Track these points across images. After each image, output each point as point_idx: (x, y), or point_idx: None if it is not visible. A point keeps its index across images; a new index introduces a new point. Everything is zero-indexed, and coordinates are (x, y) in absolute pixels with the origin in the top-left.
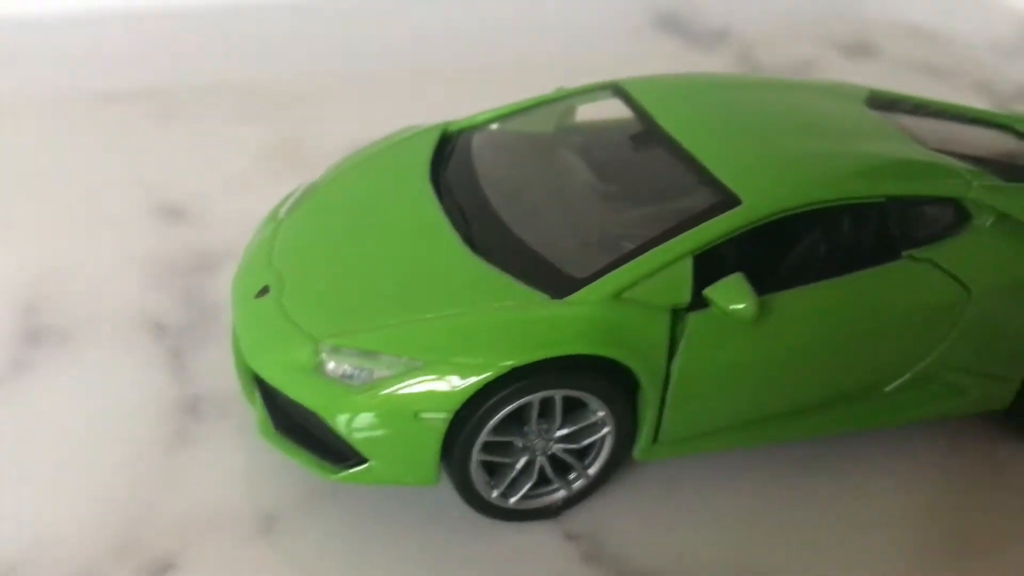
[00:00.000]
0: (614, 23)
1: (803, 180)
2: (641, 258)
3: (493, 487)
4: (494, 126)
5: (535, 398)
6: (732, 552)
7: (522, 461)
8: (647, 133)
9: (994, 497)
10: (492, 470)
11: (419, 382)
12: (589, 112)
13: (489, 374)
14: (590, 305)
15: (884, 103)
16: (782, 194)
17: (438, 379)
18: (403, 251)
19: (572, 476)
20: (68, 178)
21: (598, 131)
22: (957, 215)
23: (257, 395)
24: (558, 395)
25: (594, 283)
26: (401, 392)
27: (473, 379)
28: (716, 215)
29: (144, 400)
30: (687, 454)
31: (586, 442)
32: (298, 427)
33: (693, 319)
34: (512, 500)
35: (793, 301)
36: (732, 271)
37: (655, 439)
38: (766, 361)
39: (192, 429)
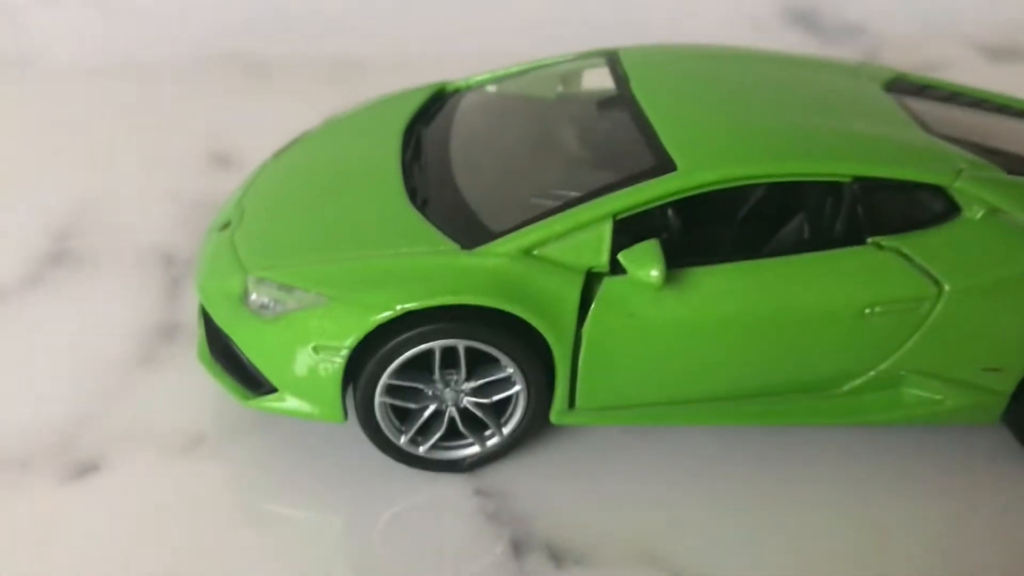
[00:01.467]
0: (741, 11)
1: (751, 152)
2: (558, 216)
3: (402, 432)
4: (491, 87)
5: (436, 345)
6: (637, 535)
7: (430, 409)
8: (617, 98)
9: (905, 510)
10: (404, 417)
11: (320, 317)
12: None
13: (387, 314)
14: (496, 258)
15: (910, 87)
16: (722, 164)
17: (338, 315)
18: (349, 197)
19: (487, 432)
20: (140, 123)
21: (584, 97)
22: (944, 206)
23: (200, 320)
24: (461, 345)
25: (506, 237)
26: (303, 325)
27: (370, 318)
28: (647, 179)
29: (129, 321)
30: (608, 424)
31: (496, 398)
32: (230, 354)
33: (608, 283)
34: (423, 448)
35: (728, 276)
36: (670, 238)
37: (572, 404)
38: (691, 337)
39: (160, 351)
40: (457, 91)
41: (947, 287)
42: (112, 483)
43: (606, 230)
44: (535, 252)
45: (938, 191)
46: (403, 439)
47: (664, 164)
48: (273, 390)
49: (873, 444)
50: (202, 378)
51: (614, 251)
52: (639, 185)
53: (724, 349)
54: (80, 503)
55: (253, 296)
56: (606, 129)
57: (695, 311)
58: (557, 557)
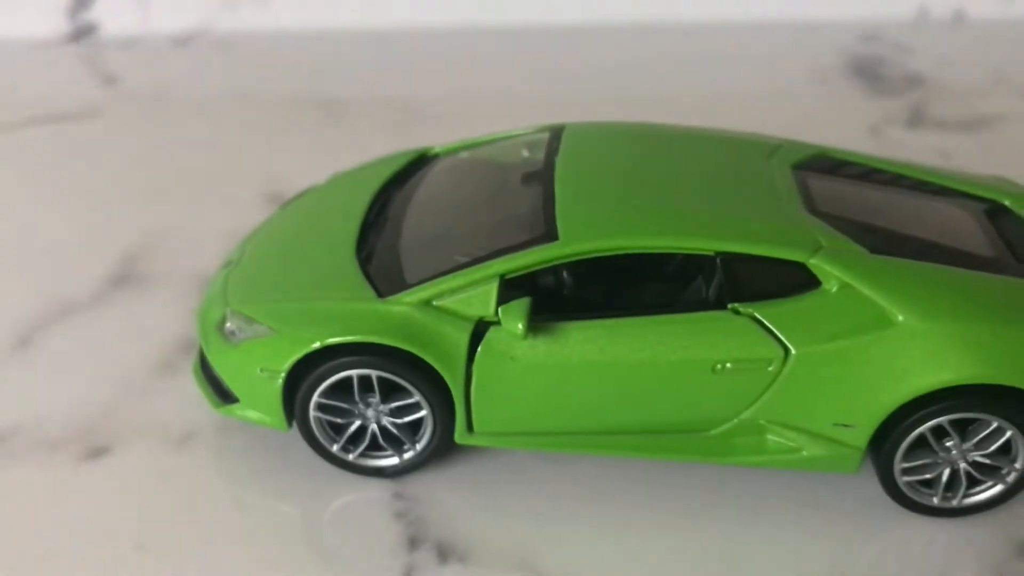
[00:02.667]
0: (807, 62)
1: (623, 228)
2: (457, 273)
3: (334, 441)
4: (465, 153)
5: (354, 374)
6: (519, 543)
7: (355, 424)
8: (540, 171)
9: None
10: (339, 430)
11: (266, 345)
12: None
13: (314, 346)
14: (402, 305)
15: (825, 165)
16: (596, 237)
17: (279, 345)
18: (313, 248)
19: (405, 447)
20: (211, 160)
21: (523, 167)
22: (804, 279)
23: (198, 343)
24: (374, 374)
25: (413, 288)
26: (254, 351)
27: (300, 349)
28: (533, 246)
29: (162, 335)
30: (505, 447)
31: (408, 419)
32: (209, 369)
33: (493, 331)
34: (351, 456)
35: (596, 330)
36: (554, 295)
37: (471, 428)
38: (563, 380)
39: (179, 363)
40: (436, 156)
41: (793, 350)
42: (118, 465)
43: (493, 287)
44: (435, 303)
45: (798, 265)
46: (335, 447)
47: (551, 233)
48: (236, 400)
49: (746, 484)
50: None
51: (501, 304)
52: (525, 251)
53: (592, 392)
54: (89, 480)
55: (228, 325)
56: (524, 197)
57: (565, 359)
58: (444, 554)
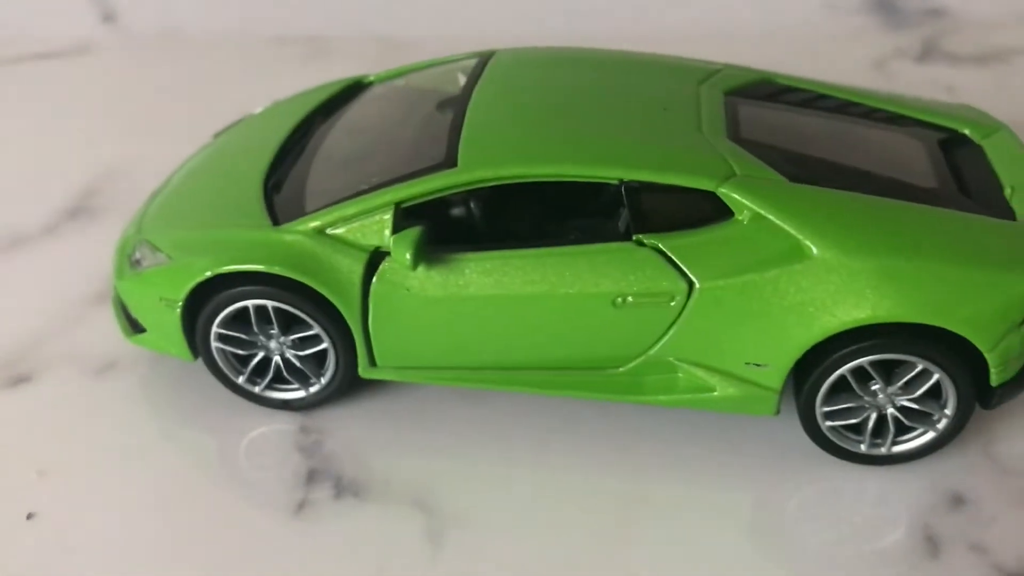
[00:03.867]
0: None
1: (522, 155)
2: (351, 201)
3: (239, 373)
4: (400, 80)
5: (250, 304)
6: (422, 486)
7: (258, 356)
8: (457, 98)
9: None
10: (243, 360)
11: (165, 274)
12: None
13: (206, 275)
14: (293, 234)
15: (766, 91)
16: (494, 165)
17: (175, 274)
18: (225, 177)
19: (311, 380)
20: (189, 98)
21: (443, 94)
22: (716, 209)
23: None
24: (269, 305)
25: (306, 217)
26: (153, 279)
27: (193, 277)
28: (431, 173)
29: (107, 269)
30: (409, 381)
31: (311, 351)
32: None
33: (388, 262)
34: (257, 388)
35: (491, 262)
36: (454, 226)
37: (374, 363)
38: (459, 313)
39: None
40: (370, 83)
41: (698, 284)
42: (36, 393)
43: (388, 216)
44: (329, 231)
45: (708, 195)
46: (241, 379)
47: (450, 160)
48: (144, 330)
49: (664, 427)
50: None
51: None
52: (421, 178)
53: (490, 326)
54: (3, 408)
55: (136, 254)
56: (435, 125)
57: (460, 291)
58: (339, 488)
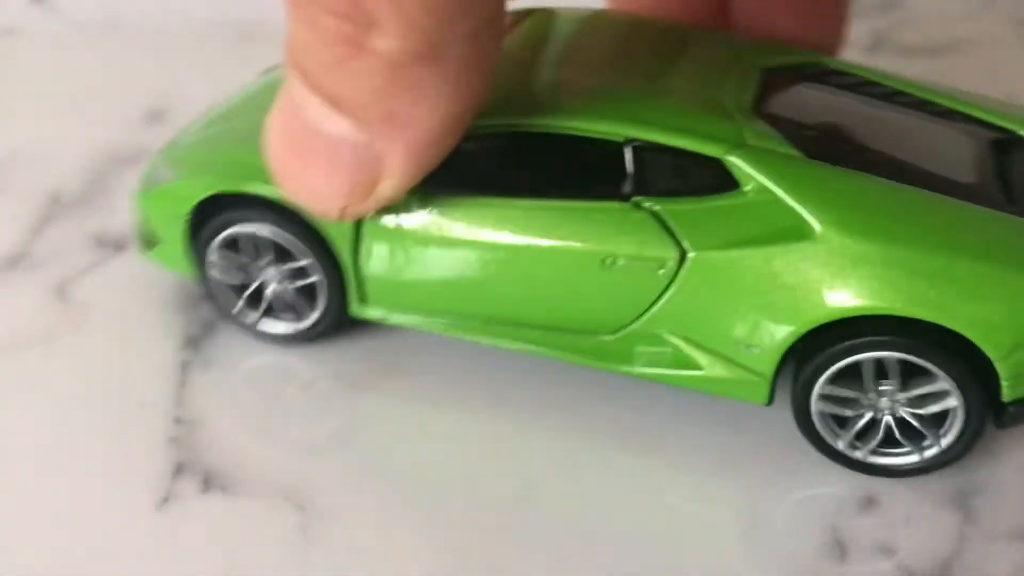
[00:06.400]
0: None
1: (526, 105)
2: None
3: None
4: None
5: (245, 229)
6: (292, 474)
7: (254, 285)
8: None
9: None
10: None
11: (174, 189)
12: None
13: (208, 193)
14: None
15: (807, 72)
16: (496, 114)
17: (182, 190)
18: (256, 108)
19: (302, 315)
20: (107, 81)
21: None
22: (722, 179)
23: None
24: (267, 232)
25: None
26: (165, 194)
27: (198, 195)
28: None
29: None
30: (400, 326)
31: (301, 283)
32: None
33: None
34: (250, 320)
35: (489, 209)
36: (456, 170)
37: (365, 300)
38: (448, 256)
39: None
40: None
41: (690, 253)
42: None
43: None
44: None
45: (715, 162)
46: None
47: None
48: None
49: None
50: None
51: None
52: None
53: (478, 271)
54: None
55: (157, 172)
56: None
57: (451, 233)
58: (208, 483)
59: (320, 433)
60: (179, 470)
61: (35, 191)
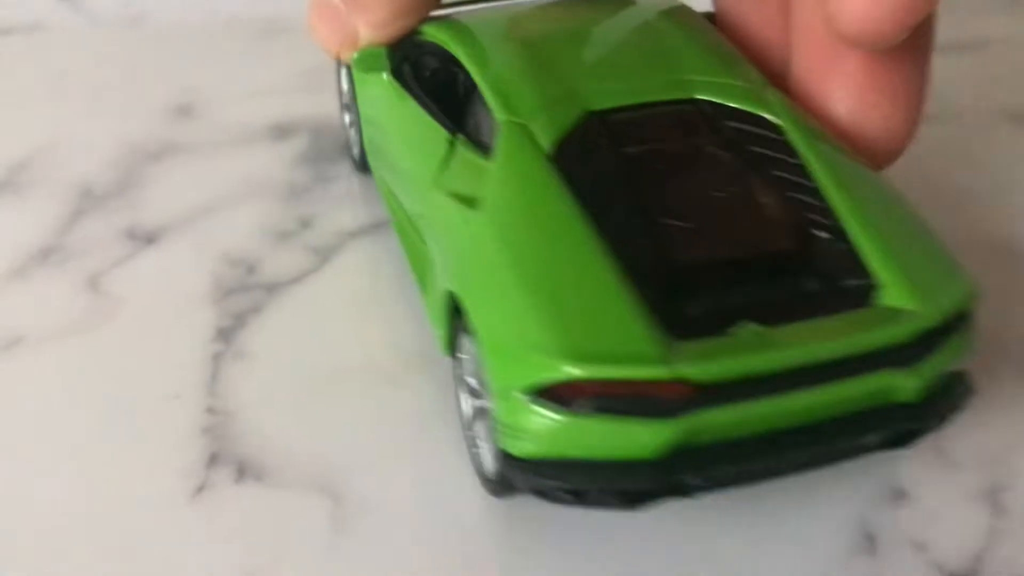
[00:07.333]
0: None
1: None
2: None
3: None
4: None
5: None
6: (325, 465)
7: None
8: None
9: None
10: None
11: None
12: None
13: None
14: None
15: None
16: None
17: None
18: None
19: None
20: (134, 77)
21: None
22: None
23: None
24: None
25: None
26: None
27: None
28: None
29: (18, 242)
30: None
31: None
32: None
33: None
34: None
35: (405, 104)
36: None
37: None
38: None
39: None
40: None
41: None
42: None
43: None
44: None
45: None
46: None
47: None
48: None
49: None
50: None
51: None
52: None
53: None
54: None
55: None
56: None
57: (380, 110)
58: (242, 472)
59: (353, 423)
60: (213, 460)
61: (66, 185)
